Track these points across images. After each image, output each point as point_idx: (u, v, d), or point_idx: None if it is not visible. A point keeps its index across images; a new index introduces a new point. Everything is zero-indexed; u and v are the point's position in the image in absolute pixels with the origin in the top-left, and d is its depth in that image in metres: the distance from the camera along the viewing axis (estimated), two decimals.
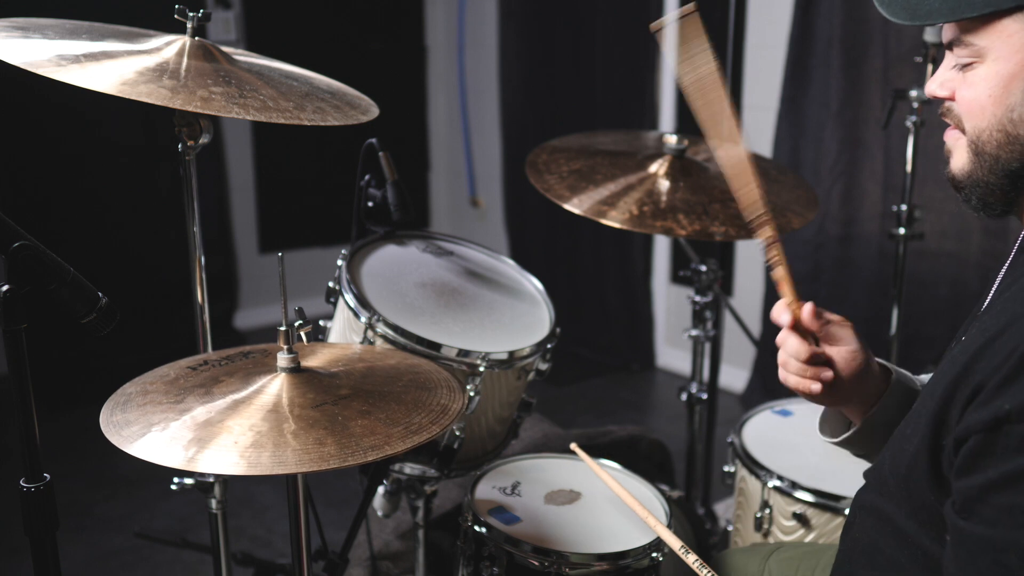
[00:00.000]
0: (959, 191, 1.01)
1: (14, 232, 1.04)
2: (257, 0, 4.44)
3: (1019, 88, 0.91)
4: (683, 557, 1.27)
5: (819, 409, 1.89)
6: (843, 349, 1.14)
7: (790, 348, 1.13)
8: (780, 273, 1.18)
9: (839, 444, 1.24)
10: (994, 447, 0.81)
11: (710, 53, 1.31)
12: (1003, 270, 1.02)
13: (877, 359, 1.19)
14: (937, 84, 1.01)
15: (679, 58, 1.27)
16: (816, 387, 1.12)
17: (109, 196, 3.87)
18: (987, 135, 0.95)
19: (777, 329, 1.16)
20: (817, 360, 1.12)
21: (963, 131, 0.98)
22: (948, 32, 0.97)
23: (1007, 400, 0.81)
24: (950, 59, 0.99)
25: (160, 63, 1.29)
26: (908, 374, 1.22)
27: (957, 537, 0.85)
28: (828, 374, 1.12)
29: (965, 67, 0.95)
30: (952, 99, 0.99)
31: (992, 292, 1.02)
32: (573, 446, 1.60)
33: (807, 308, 1.13)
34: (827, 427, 1.28)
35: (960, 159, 1.00)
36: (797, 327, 1.14)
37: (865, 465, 1.15)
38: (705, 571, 1.23)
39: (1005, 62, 0.91)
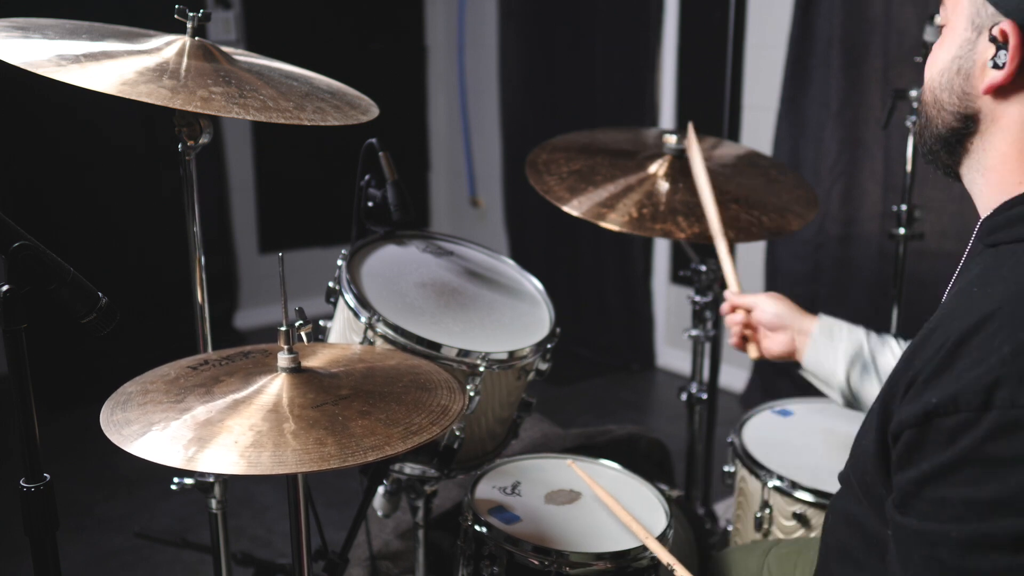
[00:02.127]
0: (918, 146, 1.09)
1: (14, 232, 1.04)
2: (257, 0, 4.44)
3: (951, 54, 0.94)
4: (675, 569, 1.27)
5: (819, 409, 1.94)
6: (765, 314, 1.58)
7: (730, 320, 1.63)
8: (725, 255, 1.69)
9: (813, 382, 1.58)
10: (924, 441, 0.82)
11: (699, 160, 1.81)
12: (960, 265, 1.04)
13: (821, 317, 1.55)
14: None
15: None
16: (734, 341, 1.61)
17: (109, 196, 3.87)
18: (925, 94, 1.00)
19: None
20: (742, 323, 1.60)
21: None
22: None
23: (934, 393, 0.81)
24: None
25: (160, 63, 1.29)
26: (846, 325, 1.56)
27: (896, 533, 0.86)
28: (744, 322, 1.61)
29: (941, 28, 0.99)
30: None
31: (948, 287, 1.03)
32: (569, 463, 1.62)
33: (745, 302, 1.62)
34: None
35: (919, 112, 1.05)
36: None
37: None
38: None
39: (952, 28, 0.95)
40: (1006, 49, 0.87)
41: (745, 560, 1.47)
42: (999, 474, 0.76)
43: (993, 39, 0.88)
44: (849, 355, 1.50)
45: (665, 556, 1.30)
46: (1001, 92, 0.90)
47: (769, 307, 1.57)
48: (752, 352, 1.61)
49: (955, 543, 0.78)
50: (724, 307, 1.64)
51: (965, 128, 0.95)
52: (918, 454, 0.83)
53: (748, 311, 1.60)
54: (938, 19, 1.01)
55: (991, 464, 0.77)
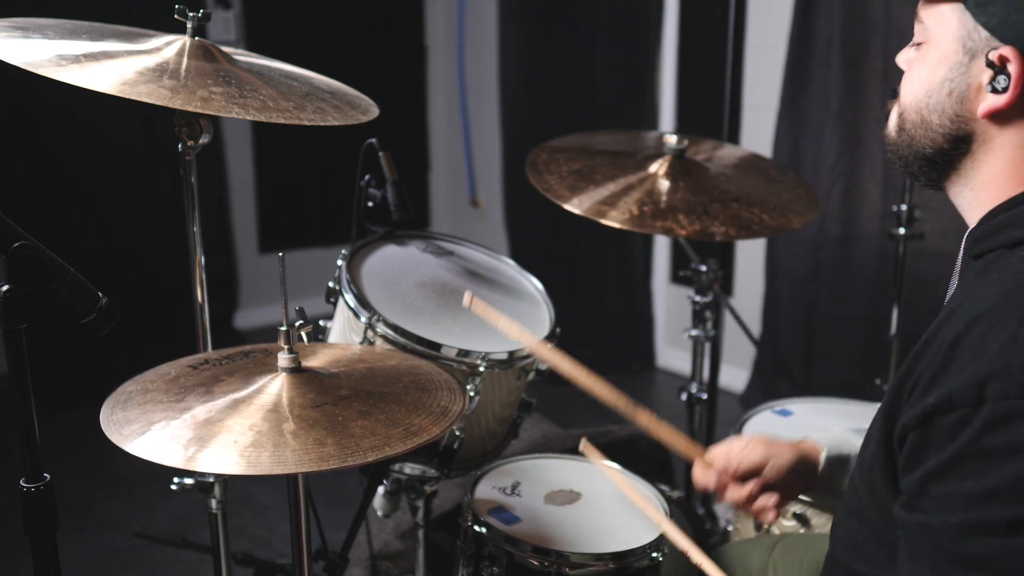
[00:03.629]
0: (888, 152, 1.07)
1: (14, 232, 1.04)
2: (257, 0, 4.44)
3: (940, 76, 0.94)
4: (692, 556, 1.26)
5: (819, 409, 1.92)
6: (767, 468, 1.24)
7: (732, 498, 1.27)
8: (667, 436, 1.31)
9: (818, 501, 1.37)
10: (928, 441, 0.84)
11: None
12: (952, 280, 1.05)
13: (805, 439, 1.29)
14: (903, 57, 1.05)
15: None
16: (771, 516, 1.25)
17: (109, 196, 3.87)
18: (908, 113, 1.00)
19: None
20: (755, 494, 1.25)
21: (899, 103, 1.04)
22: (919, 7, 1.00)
23: (933, 395, 0.83)
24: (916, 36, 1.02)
25: (160, 63, 1.29)
26: (845, 439, 1.28)
27: (904, 532, 0.88)
28: (773, 500, 1.24)
29: (919, 45, 0.99)
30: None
31: (947, 298, 1.04)
32: (583, 444, 1.59)
33: (716, 468, 1.26)
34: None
35: (891, 123, 1.05)
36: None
37: None
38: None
39: (937, 48, 0.95)
40: (1006, 74, 0.88)
41: (751, 553, 1.48)
42: (996, 464, 0.79)
43: (991, 64, 0.89)
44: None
45: (682, 541, 1.30)
46: (999, 115, 0.91)
47: (757, 453, 1.25)
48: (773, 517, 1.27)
49: (954, 530, 0.81)
50: (718, 485, 1.28)
51: (955, 149, 0.96)
52: (923, 454, 0.85)
53: (744, 473, 1.26)
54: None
55: (989, 455, 0.79)
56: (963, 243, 1.00)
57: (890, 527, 0.95)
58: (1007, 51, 0.87)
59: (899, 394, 0.90)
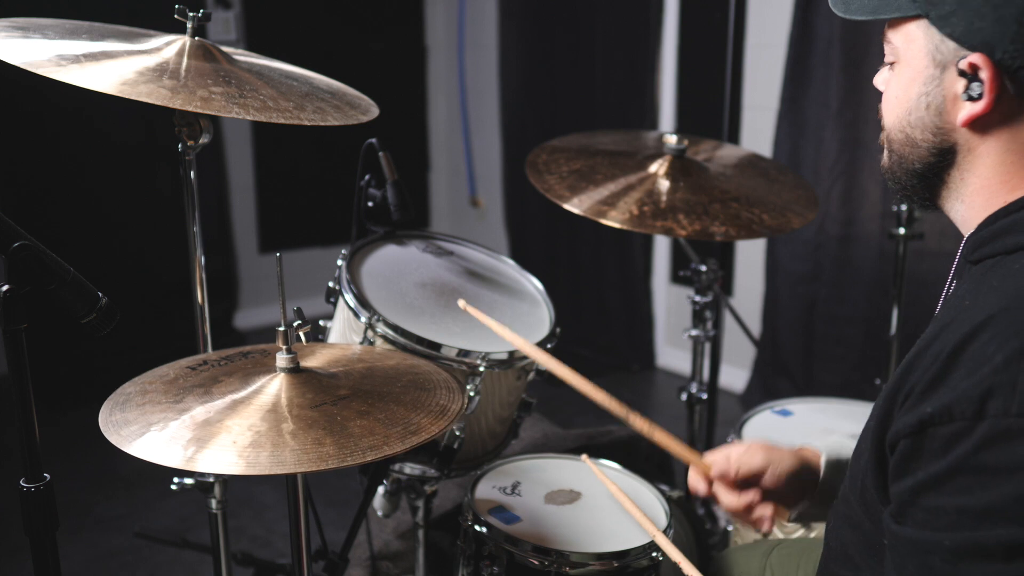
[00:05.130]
0: (887, 182, 1.06)
1: (14, 232, 1.04)
2: (257, 0, 4.44)
3: (916, 92, 0.94)
4: (684, 568, 1.26)
5: (819, 409, 1.90)
6: (768, 475, 1.22)
7: (728, 504, 1.24)
8: (664, 440, 1.27)
9: (792, 521, 1.30)
10: (920, 450, 0.82)
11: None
12: (947, 284, 1.05)
13: (804, 447, 1.28)
14: (880, 79, 1.04)
15: None
16: (767, 525, 1.23)
17: (109, 196, 3.87)
18: (893, 134, 1.00)
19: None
20: (754, 504, 1.23)
21: (883, 127, 1.03)
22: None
23: (930, 404, 0.82)
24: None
25: (160, 63, 1.29)
26: (844, 445, 1.26)
27: (891, 542, 0.86)
28: (768, 510, 1.22)
29: (892, 65, 0.99)
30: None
31: (939, 305, 1.04)
32: (584, 458, 1.61)
33: (715, 473, 1.23)
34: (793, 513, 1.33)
35: (884, 153, 1.04)
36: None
37: None
38: None
39: (908, 65, 0.95)
40: (979, 80, 0.88)
41: (747, 560, 1.47)
42: (992, 483, 0.77)
43: (963, 73, 0.89)
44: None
45: (674, 553, 1.30)
46: (978, 122, 0.91)
47: (757, 458, 1.22)
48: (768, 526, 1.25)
49: (947, 551, 0.79)
50: (714, 489, 1.25)
51: (942, 161, 0.96)
52: (914, 463, 0.83)
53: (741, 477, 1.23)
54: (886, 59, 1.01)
55: (985, 473, 0.78)
56: (961, 247, 1.00)
57: (879, 533, 0.94)
58: (976, 58, 0.87)
59: (893, 400, 0.89)
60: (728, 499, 1.23)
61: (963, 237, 1.00)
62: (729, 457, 1.23)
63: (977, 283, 0.91)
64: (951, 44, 0.90)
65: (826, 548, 1.11)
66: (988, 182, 0.94)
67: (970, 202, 0.97)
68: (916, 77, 0.94)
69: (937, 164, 0.96)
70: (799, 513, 1.28)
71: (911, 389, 0.85)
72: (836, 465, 1.25)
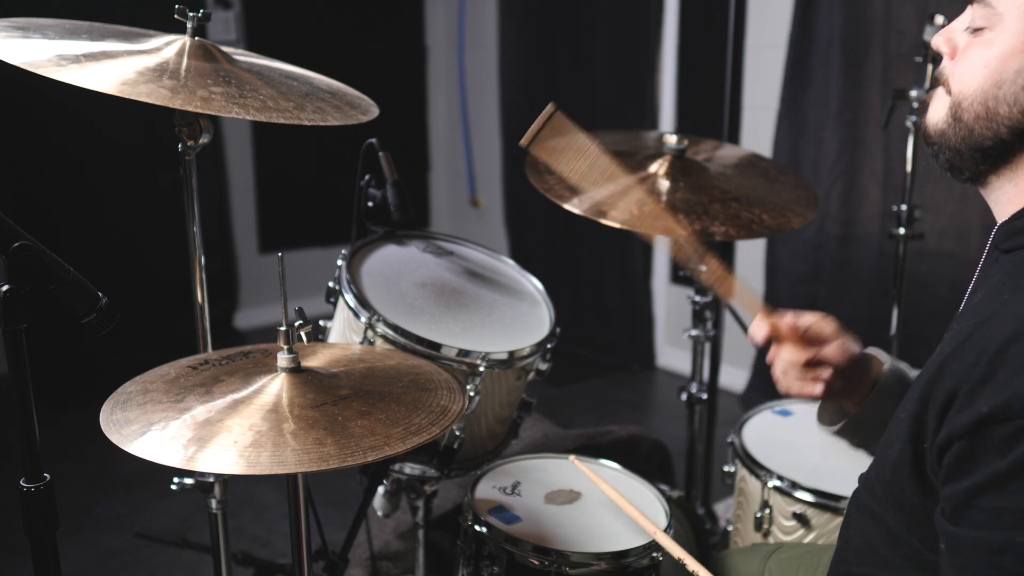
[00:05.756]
0: (929, 146, 1.00)
1: (14, 232, 1.04)
2: (257, 0, 4.44)
3: (1014, 66, 0.89)
4: (687, 563, 1.26)
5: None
6: (832, 344, 1.16)
7: (785, 358, 1.17)
8: (743, 295, 1.22)
9: (835, 434, 1.26)
10: (977, 451, 0.81)
11: (586, 138, 1.34)
12: (976, 272, 1.02)
13: (873, 348, 1.23)
14: (943, 39, 0.98)
15: (562, 160, 1.29)
16: (819, 388, 1.15)
17: (109, 196, 3.87)
18: (968, 103, 0.93)
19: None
20: (814, 362, 1.16)
21: (948, 92, 0.97)
22: None
23: (984, 403, 0.80)
24: (965, 17, 0.96)
25: (160, 63, 1.29)
26: (904, 365, 1.24)
27: (950, 544, 0.85)
28: (827, 372, 1.15)
29: (976, 31, 0.93)
30: (952, 58, 0.97)
31: (967, 294, 1.02)
32: (572, 458, 1.61)
33: (787, 319, 1.16)
34: (824, 415, 1.30)
35: (937, 115, 0.98)
36: (780, 338, 1.17)
37: (865, 464, 1.16)
38: None
39: (1012, 35, 0.89)
40: None
41: (746, 563, 1.47)
42: None
43: None
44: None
45: (676, 550, 1.30)
46: None
47: (830, 326, 1.18)
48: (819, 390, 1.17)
49: (1021, 548, 0.78)
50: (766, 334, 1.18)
51: (1016, 142, 0.91)
52: (970, 464, 0.82)
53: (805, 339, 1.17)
54: (940, 21, 0.96)
55: None
56: (992, 235, 0.97)
57: (910, 527, 0.93)
58: None
59: (928, 396, 0.87)
60: (789, 352, 1.16)
61: (973, 228, 0.98)
62: (802, 314, 1.17)
63: (1013, 276, 0.89)
64: None
65: (843, 542, 1.09)
66: None
67: (1022, 185, 0.93)
68: (1018, 50, 0.88)
69: (1009, 144, 0.92)
70: (841, 425, 1.23)
71: (955, 388, 0.83)
72: (896, 375, 1.21)
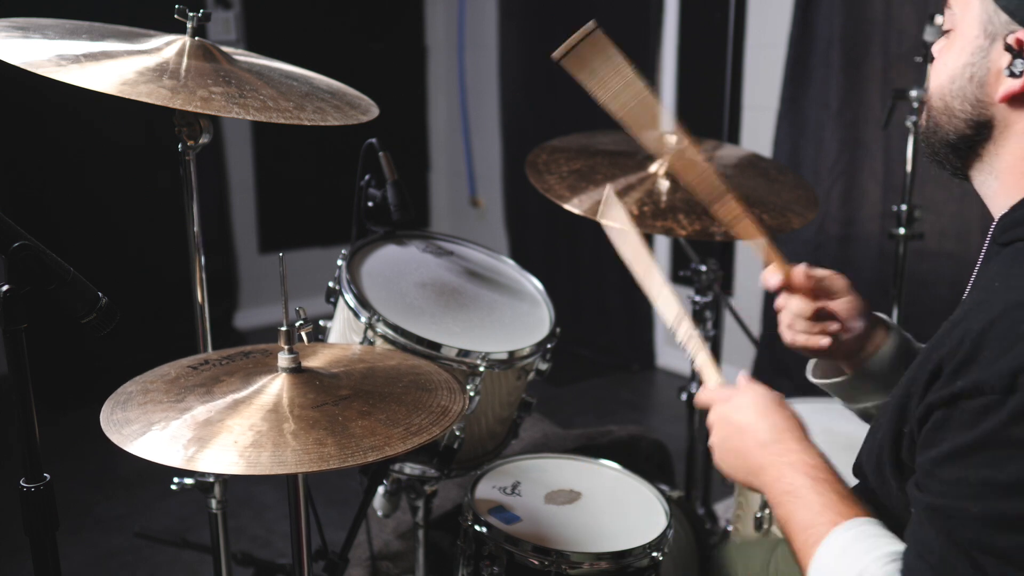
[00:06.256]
0: (921, 143, 1.07)
1: (14, 232, 1.04)
2: (257, 0, 4.44)
3: (963, 61, 0.94)
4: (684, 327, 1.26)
5: (819, 409, 1.90)
6: (842, 300, 1.21)
7: (794, 308, 1.22)
8: (762, 243, 1.26)
9: (826, 387, 1.31)
10: (949, 422, 0.83)
11: (625, 64, 1.38)
12: (976, 268, 1.04)
13: (878, 314, 1.26)
14: (937, 46, 1.04)
15: (596, 78, 1.36)
16: (825, 341, 1.20)
17: (109, 196, 3.87)
18: (933, 100, 0.99)
19: (775, 326, 1.20)
20: (821, 315, 1.20)
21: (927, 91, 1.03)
22: None
23: (962, 379, 0.82)
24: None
25: (160, 63, 1.29)
26: (908, 335, 1.28)
27: (914, 507, 0.87)
28: (835, 326, 1.20)
29: (945, 32, 0.99)
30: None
31: (967, 290, 1.04)
32: (608, 190, 1.52)
33: (800, 268, 1.21)
34: (818, 371, 1.35)
35: (923, 114, 1.05)
36: (792, 288, 1.22)
37: None
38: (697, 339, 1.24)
39: (961, 34, 0.95)
40: (1022, 58, 0.88)
41: (753, 554, 1.48)
42: (1020, 457, 0.78)
43: (1008, 47, 0.89)
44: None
45: (674, 308, 1.33)
46: (1017, 100, 0.91)
47: (842, 281, 1.23)
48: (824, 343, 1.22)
49: (972, 519, 0.80)
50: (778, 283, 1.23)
51: (977, 135, 0.96)
52: (940, 434, 0.84)
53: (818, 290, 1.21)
54: (940, 21, 1.01)
55: (1013, 446, 0.78)
56: (991, 229, 0.99)
57: (897, 509, 0.95)
58: (1023, 34, 0.87)
59: (914, 381, 0.89)
60: (798, 303, 1.21)
61: (973, 228, 1.00)
62: (814, 267, 1.22)
63: (1007, 266, 0.91)
64: (1004, 17, 0.89)
65: None
66: (1021, 159, 0.93)
67: (1003, 179, 0.96)
68: (966, 47, 0.93)
69: (972, 137, 0.96)
70: (840, 380, 1.27)
71: (938, 367, 0.86)
72: (902, 342, 1.24)
